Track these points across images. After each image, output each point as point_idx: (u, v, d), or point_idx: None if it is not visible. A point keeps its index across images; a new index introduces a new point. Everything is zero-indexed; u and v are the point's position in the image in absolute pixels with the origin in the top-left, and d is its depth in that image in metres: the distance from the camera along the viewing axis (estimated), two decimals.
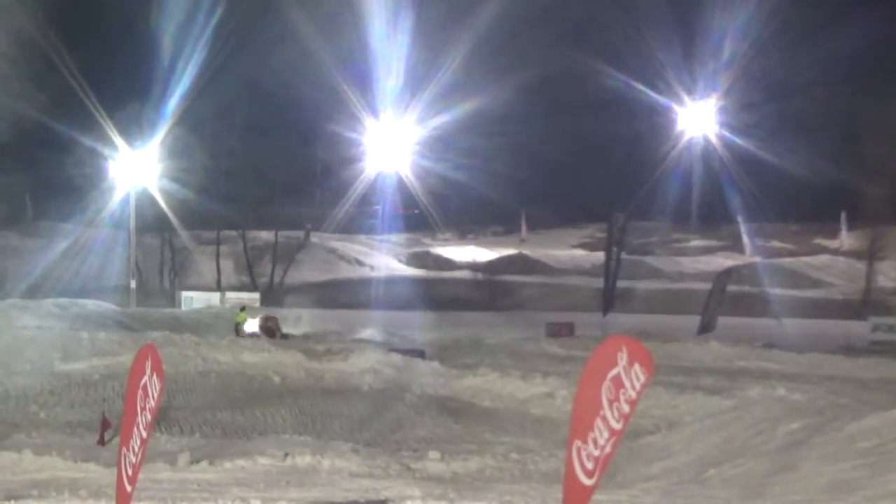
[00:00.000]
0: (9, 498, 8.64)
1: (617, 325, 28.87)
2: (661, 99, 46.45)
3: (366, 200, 57.93)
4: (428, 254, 64.16)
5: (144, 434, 5.57)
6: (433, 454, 13.05)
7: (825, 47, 46.04)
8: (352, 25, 48.54)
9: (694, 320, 33.55)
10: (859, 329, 32.94)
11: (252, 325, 31.62)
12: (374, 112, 50.12)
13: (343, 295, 50.35)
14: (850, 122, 52.20)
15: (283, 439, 13.86)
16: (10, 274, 46.53)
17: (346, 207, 54.90)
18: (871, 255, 52.49)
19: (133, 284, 45.78)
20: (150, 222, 50.73)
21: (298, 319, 37.33)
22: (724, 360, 24.58)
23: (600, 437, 4.34)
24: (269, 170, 55.63)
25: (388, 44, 48.66)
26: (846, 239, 63.42)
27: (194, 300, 44.16)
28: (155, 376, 5.49)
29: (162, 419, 15.45)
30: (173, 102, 47.50)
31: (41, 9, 46.07)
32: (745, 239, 61.47)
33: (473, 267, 59.03)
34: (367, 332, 33.27)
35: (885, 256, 52.67)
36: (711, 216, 58.75)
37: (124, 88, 54.81)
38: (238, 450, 12.45)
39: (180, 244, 55.11)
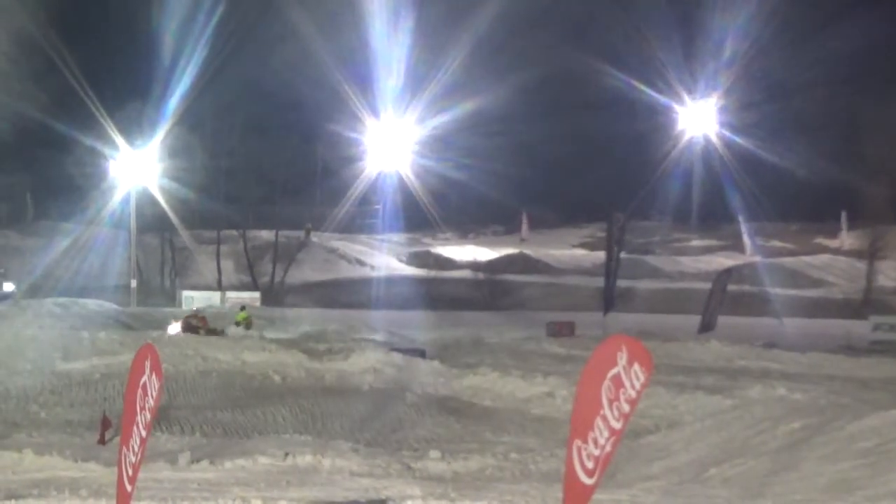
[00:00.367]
0: (9, 497, 8.65)
1: (617, 325, 28.76)
2: (662, 98, 46.40)
3: (366, 200, 57.96)
4: (428, 253, 64.02)
5: (144, 433, 5.57)
6: (434, 453, 13.07)
7: (825, 47, 46.15)
8: (352, 25, 48.58)
9: (694, 320, 33.44)
10: (860, 329, 32.84)
11: (175, 327, 30.33)
12: (374, 112, 50.16)
13: (344, 294, 50.28)
14: (850, 121, 52.28)
15: (283, 439, 13.87)
16: (11, 274, 46.46)
17: (346, 207, 54.83)
18: (871, 255, 52.38)
19: (134, 284, 45.79)
20: (151, 222, 50.75)
21: (299, 319, 37.26)
22: (725, 360, 24.56)
23: (600, 437, 4.34)
24: (269, 169, 55.45)
25: (389, 43, 48.69)
26: (846, 238, 63.27)
27: (195, 300, 44.10)
28: (154, 375, 5.49)
29: (162, 419, 15.47)
30: (174, 102, 47.50)
31: (41, 9, 46.15)
32: (746, 238, 61.36)
33: (474, 266, 58.85)
34: (368, 332, 33.17)
35: (885, 256, 52.54)
36: (712, 216, 58.77)
37: (125, 88, 55.02)
38: (238, 449, 12.46)
39: (181, 244, 55.03)
